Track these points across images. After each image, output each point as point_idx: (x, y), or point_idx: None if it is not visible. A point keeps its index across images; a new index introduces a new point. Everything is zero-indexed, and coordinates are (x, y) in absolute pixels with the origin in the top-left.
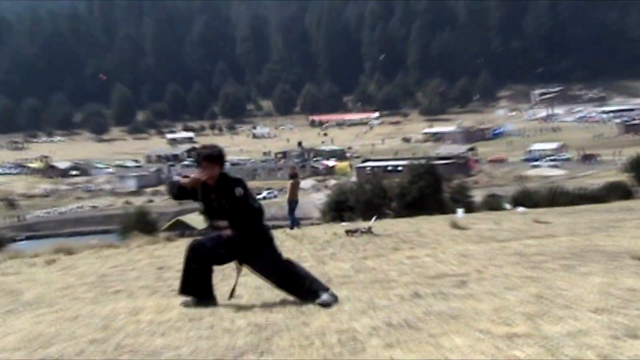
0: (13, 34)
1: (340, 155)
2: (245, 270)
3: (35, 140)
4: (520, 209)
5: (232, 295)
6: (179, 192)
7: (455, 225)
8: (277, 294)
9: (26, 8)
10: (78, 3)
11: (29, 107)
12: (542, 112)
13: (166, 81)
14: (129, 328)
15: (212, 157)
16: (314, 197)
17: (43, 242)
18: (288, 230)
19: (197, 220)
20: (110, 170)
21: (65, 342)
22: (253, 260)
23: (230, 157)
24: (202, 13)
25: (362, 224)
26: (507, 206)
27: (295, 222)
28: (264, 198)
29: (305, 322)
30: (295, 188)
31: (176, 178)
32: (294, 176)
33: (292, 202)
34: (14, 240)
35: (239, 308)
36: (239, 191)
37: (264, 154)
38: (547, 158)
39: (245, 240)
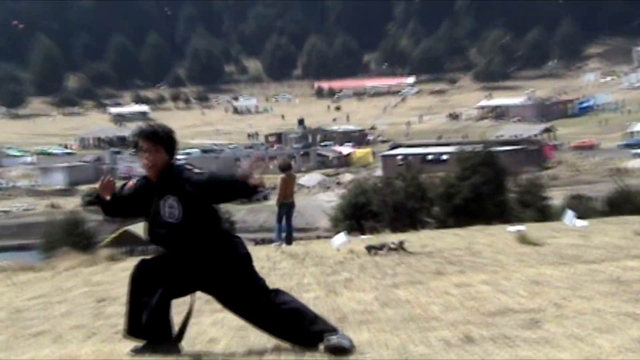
0: None
1: (359, 138)
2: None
3: None
4: (571, 217)
5: (179, 338)
6: (103, 204)
7: (524, 240)
8: (269, 338)
9: None
10: None
11: None
12: None
13: (109, 31)
14: None
15: (156, 136)
16: (321, 198)
17: None
18: (284, 245)
19: None
20: (29, 159)
21: None
22: (219, 291)
23: (199, 141)
24: None
25: (391, 238)
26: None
27: (288, 234)
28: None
29: None
30: (288, 185)
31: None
32: (285, 168)
33: (284, 206)
34: None
35: (214, 358)
36: (194, 182)
37: (249, 136)
38: None
39: (204, 259)
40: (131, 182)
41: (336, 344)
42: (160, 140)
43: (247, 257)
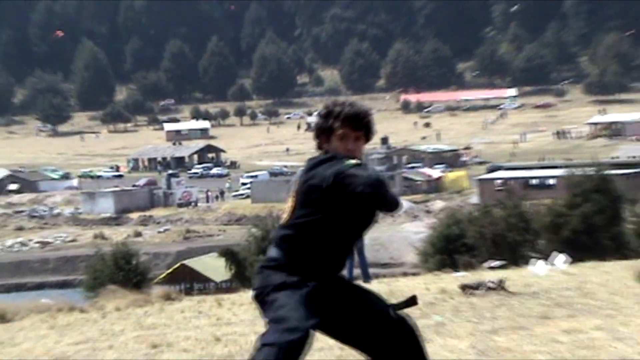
0: None
1: (452, 159)
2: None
3: None
4: (557, 259)
5: None
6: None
7: None
8: None
9: None
10: None
11: None
12: None
13: (164, 36)
14: None
15: (359, 119)
16: (408, 228)
17: None
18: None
19: (213, 266)
20: (73, 182)
21: None
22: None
23: (267, 162)
24: None
25: (489, 276)
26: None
27: (364, 269)
28: None
29: None
30: None
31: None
32: None
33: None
34: None
35: None
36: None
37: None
38: None
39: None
40: None
41: None
42: (362, 127)
43: None
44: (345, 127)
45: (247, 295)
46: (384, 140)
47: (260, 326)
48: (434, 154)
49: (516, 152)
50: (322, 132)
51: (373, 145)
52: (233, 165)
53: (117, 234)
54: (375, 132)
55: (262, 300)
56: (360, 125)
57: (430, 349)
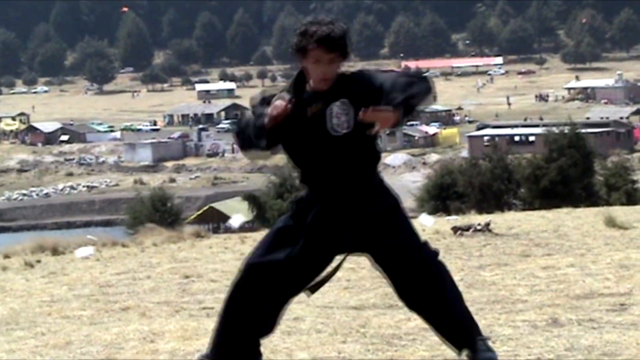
0: None
1: (445, 118)
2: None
3: (9, 90)
4: (235, 219)
5: (313, 289)
6: (263, 137)
7: (612, 223)
8: (354, 317)
9: None
10: None
11: (3, 44)
12: None
13: (196, 8)
14: None
15: (332, 41)
16: (406, 178)
17: (19, 237)
18: None
19: (237, 208)
20: (116, 135)
21: None
22: (379, 239)
23: None
24: None
25: (477, 219)
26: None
27: None
28: None
29: (393, 358)
30: None
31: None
32: None
33: None
34: None
35: (299, 335)
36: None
37: None
38: None
39: (364, 200)
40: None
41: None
42: (336, 46)
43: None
44: (318, 49)
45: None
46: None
47: None
48: (430, 113)
49: (501, 112)
50: (298, 51)
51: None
52: None
53: (154, 180)
54: (351, 49)
55: None
56: (334, 46)
57: None
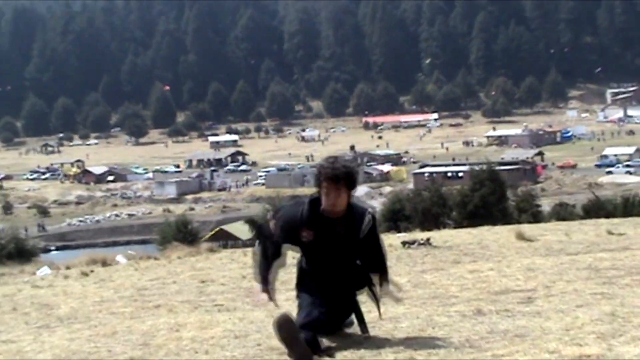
0: (45, 29)
1: (396, 159)
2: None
3: (69, 143)
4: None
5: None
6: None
7: (521, 237)
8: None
9: (59, 2)
10: None
11: (62, 108)
12: (617, 114)
13: (208, 80)
14: (170, 345)
15: (337, 179)
16: (367, 205)
17: (77, 253)
18: None
19: (240, 229)
20: (149, 175)
21: None
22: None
23: (275, 162)
24: (247, 6)
25: (420, 235)
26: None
27: None
28: None
29: (359, 342)
30: None
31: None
32: None
33: None
34: (46, 251)
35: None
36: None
37: (307, 159)
38: (622, 164)
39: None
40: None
41: None
42: (342, 181)
43: None
44: (327, 184)
45: None
46: (352, 147)
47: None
48: (384, 156)
49: (438, 154)
50: (316, 186)
51: (344, 151)
52: (254, 164)
53: (178, 209)
54: (357, 182)
55: None
56: (338, 181)
57: None
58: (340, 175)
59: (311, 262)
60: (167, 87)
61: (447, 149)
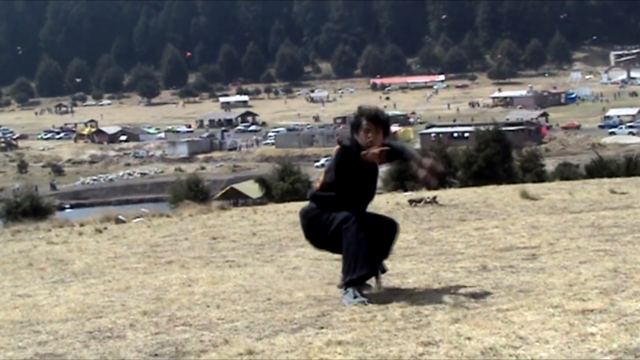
0: None
1: (403, 120)
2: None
3: (82, 103)
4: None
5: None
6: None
7: (525, 196)
8: (337, 266)
9: None
10: None
11: (76, 69)
12: (620, 75)
13: (219, 42)
14: (182, 300)
15: (378, 119)
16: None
17: (91, 211)
18: None
19: (251, 188)
20: (161, 135)
21: (116, 314)
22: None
23: (285, 122)
24: None
25: (427, 194)
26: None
27: None
28: (322, 165)
29: (367, 295)
30: None
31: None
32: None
33: None
34: (61, 209)
35: (297, 280)
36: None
37: (314, 118)
38: (625, 124)
39: None
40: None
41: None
42: (381, 123)
43: None
44: (369, 122)
45: (273, 207)
46: (359, 108)
47: (282, 226)
48: (392, 117)
49: (447, 115)
50: (353, 127)
51: (352, 112)
52: (263, 124)
53: (190, 168)
54: (390, 131)
55: None
56: (379, 121)
57: None
58: (380, 117)
59: (347, 194)
60: (189, 54)
61: (457, 109)
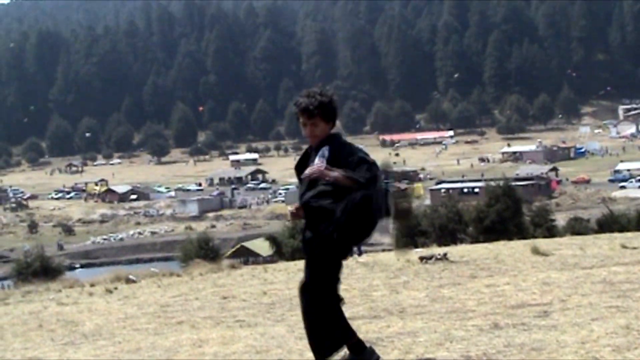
0: (68, 52)
1: (413, 176)
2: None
3: (92, 163)
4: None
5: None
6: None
7: (537, 252)
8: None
9: (82, 25)
10: (136, 18)
11: (86, 128)
12: (629, 129)
13: (229, 100)
14: None
15: (308, 111)
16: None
17: (101, 270)
18: (357, 256)
19: (261, 246)
20: (171, 194)
21: None
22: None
23: (295, 180)
24: (266, 28)
25: (437, 251)
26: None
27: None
28: None
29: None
30: None
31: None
32: None
33: None
34: (71, 269)
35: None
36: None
37: None
38: (635, 178)
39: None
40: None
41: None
42: (314, 114)
43: (344, 252)
44: (302, 116)
45: (284, 264)
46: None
47: (292, 285)
48: (401, 173)
49: (450, 171)
50: (296, 119)
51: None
52: (273, 181)
53: (200, 226)
54: (337, 111)
55: None
56: (312, 114)
57: (400, 297)
58: (314, 104)
59: None
60: (201, 109)
61: (471, 165)
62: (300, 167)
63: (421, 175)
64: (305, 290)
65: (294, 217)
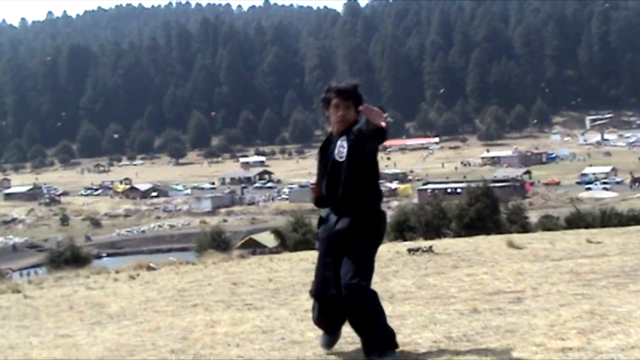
0: (97, 65)
1: (402, 178)
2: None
3: (118, 163)
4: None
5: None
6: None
7: (512, 245)
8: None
9: (109, 41)
10: (157, 35)
11: (112, 133)
12: (595, 137)
13: (239, 108)
14: (206, 339)
15: (347, 94)
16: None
17: (125, 259)
18: None
19: (267, 239)
20: (187, 191)
21: (147, 352)
22: (345, 245)
23: (298, 179)
24: (273, 45)
25: (423, 244)
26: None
27: None
28: None
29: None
30: None
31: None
32: None
33: None
34: (98, 257)
35: (309, 322)
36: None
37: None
38: (600, 181)
39: (357, 212)
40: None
41: None
42: (350, 97)
43: (382, 235)
44: (337, 98)
45: (287, 255)
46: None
47: (295, 273)
48: (392, 175)
49: (445, 173)
50: (324, 102)
51: None
52: (278, 181)
53: (213, 221)
54: (364, 100)
55: None
56: (349, 96)
57: (390, 285)
58: (351, 89)
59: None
60: (214, 113)
61: (455, 168)
62: (322, 152)
63: (410, 177)
64: (355, 291)
65: (313, 192)
